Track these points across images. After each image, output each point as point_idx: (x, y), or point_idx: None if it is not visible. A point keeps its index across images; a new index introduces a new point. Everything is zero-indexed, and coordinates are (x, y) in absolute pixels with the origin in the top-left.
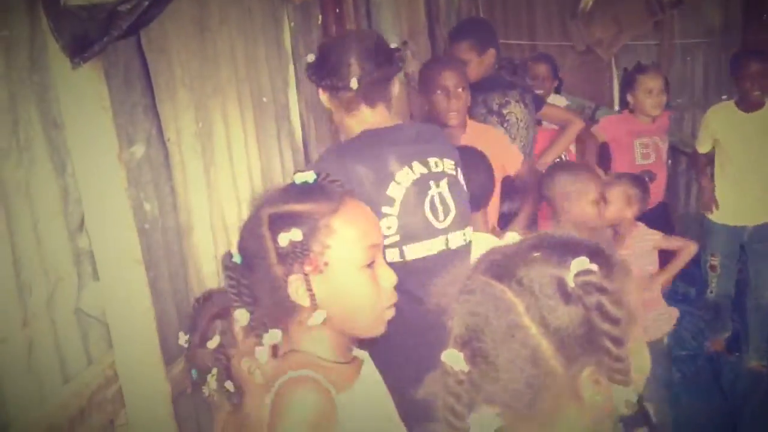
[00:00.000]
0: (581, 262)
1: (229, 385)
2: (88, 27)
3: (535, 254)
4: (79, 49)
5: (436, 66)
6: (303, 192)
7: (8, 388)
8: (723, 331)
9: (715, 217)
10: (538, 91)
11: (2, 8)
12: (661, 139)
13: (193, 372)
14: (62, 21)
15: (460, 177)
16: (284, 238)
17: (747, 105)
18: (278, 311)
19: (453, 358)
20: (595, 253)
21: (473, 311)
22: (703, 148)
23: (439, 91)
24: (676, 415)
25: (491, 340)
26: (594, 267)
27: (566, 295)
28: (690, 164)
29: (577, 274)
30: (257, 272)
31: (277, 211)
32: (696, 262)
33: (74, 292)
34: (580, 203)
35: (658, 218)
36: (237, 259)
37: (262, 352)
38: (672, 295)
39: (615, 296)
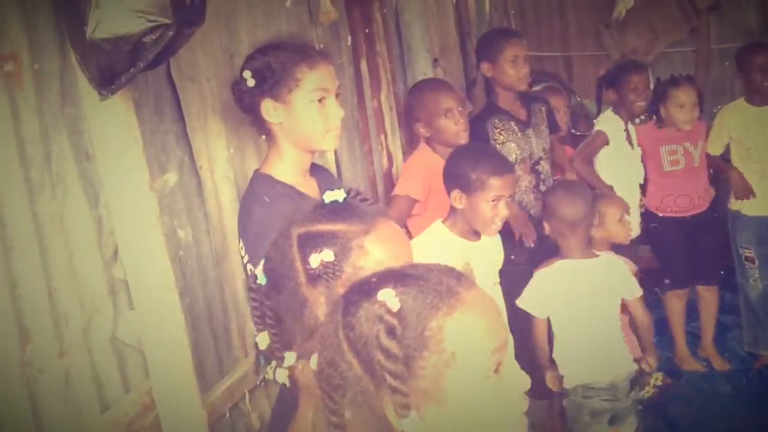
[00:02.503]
0: (385, 293)
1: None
2: (114, 59)
3: (373, 279)
4: (106, 81)
5: (432, 89)
6: (333, 211)
7: (46, 418)
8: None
9: (748, 209)
10: (640, 103)
11: (33, 42)
12: (693, 144)
13: (261, 359)
14: (89, 54)
15: None
16: (315, 259)
17: (758, 100)
18: (304, 332)
19: (388, 296)
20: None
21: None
22: (714, 150)
23: (446, 115)
24: (728, 428)
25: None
26: (389, 298)
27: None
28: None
29: (370, 306)
30: (284, 293)
31: (307, 230)
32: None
33: (110, 322)
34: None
35: (705, 224)
36: (262, 280)
37: (283, 374)
38: (720, 306)
39: (393, 328)
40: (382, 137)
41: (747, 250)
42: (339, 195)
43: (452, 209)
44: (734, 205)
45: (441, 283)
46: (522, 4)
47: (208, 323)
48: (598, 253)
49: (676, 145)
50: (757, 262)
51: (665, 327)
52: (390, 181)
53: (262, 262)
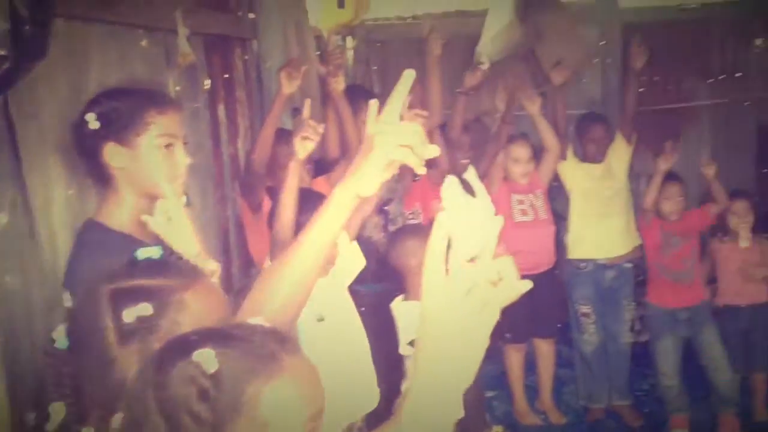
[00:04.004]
0: (202, 354)
1: None
2: None
3: (193, 337)
4: None
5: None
6: (150, 267)
7: None
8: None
9: (579, 253)
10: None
11: None
12: (534, 195)
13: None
14: None
15: None
16: (130, 314)
17: (590, 160)
18: (107, 397)
19: (204, 357)
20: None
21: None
22: None
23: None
24: None
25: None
26: (206, 359)
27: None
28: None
29: (185, 365)
30: (88, 355)
31: (120, 286)
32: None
33: None
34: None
35: (547, 280)
36: (62, 344)
37: None
38: (557, 360)
39: (205, 392)
40: (237, 184)
41: (584, 306)
42: (154, 252)
43: None
44: (572, 253)
45: (264, 347)
46: (384, 61)
47: (32, 375)
48: None
49: (523, 195)
50: (593, 317)
51: (505, 381)
52: (242, 230)
53: (63, 324)
